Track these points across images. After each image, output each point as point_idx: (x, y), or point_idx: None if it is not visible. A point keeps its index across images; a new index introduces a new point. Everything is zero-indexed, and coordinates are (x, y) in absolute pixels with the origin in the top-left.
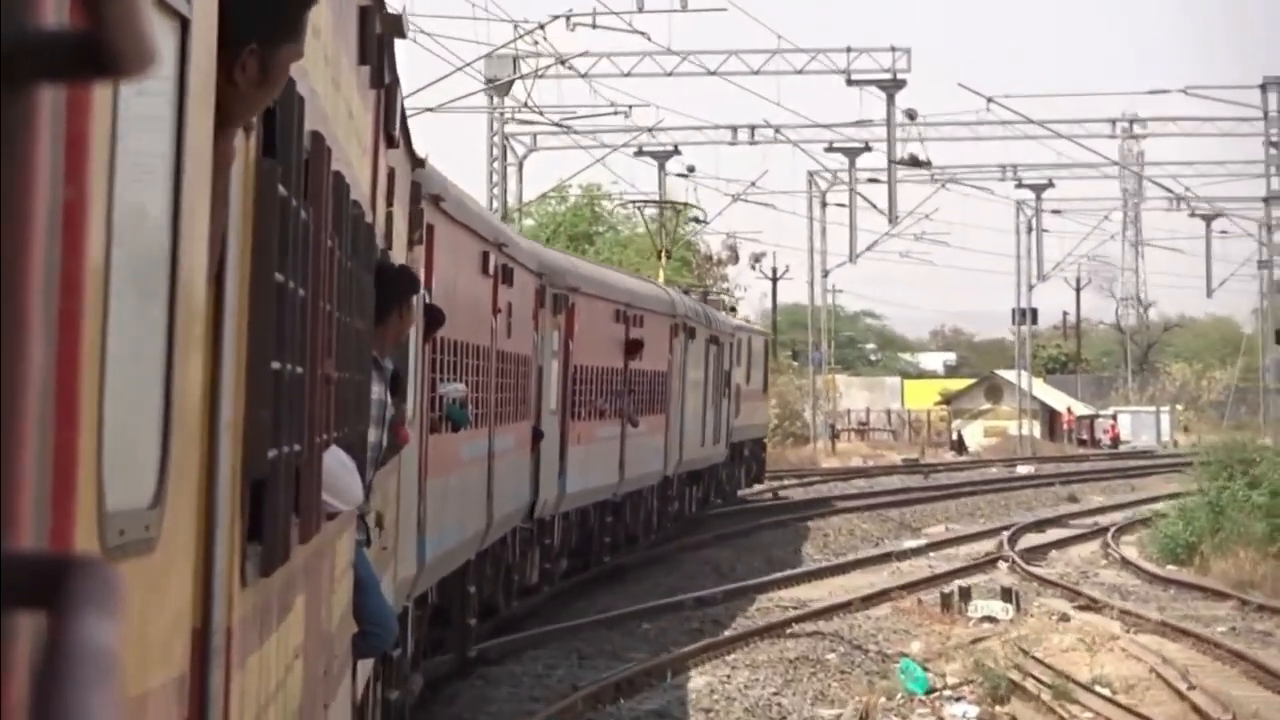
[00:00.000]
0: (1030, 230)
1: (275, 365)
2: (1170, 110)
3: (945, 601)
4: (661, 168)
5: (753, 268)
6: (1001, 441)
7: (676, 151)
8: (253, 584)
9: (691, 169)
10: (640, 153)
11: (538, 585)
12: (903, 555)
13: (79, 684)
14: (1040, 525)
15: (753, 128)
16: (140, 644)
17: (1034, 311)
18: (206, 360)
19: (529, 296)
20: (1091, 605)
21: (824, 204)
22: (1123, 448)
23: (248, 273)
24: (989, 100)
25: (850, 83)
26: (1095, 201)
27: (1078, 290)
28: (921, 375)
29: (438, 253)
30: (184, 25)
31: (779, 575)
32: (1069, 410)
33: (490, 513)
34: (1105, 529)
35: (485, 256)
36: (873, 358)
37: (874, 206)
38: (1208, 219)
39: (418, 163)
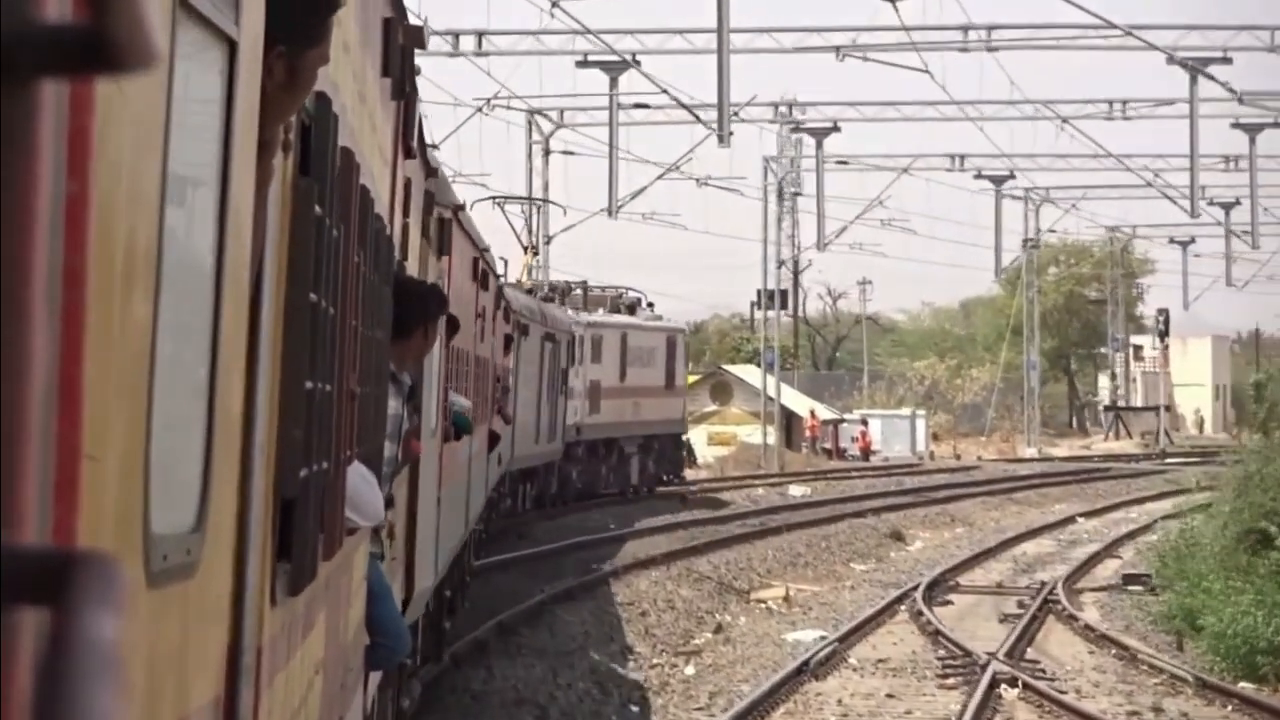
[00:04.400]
0: (782, 195)
1: (308, 385)
2: None
3: None
4: None
5: None
6: (737, 451)
7: None
8: (282, 603)
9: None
10: None
11: None
12: (820, 668)
13: (83, 679)
14: (930, 590)
15: (481, 33)
16: (180, 666)
17: (783, 294)
18: (243, 380)
19: (493, 299)
20: None
21: (547, 151)
22: (875, 459)
23: (283, 292)
24: None
25: None
26: (892, 159)
27: (795, 274)
28: None
29: (455, 264)
30: (232, 48)
31: None
32: (812, 414)
33: (468, 515)
34: (1030, 593)
35: (475, 263)
36: None
37: (696, 115)
38: (997, 180)
39: (430, 172)
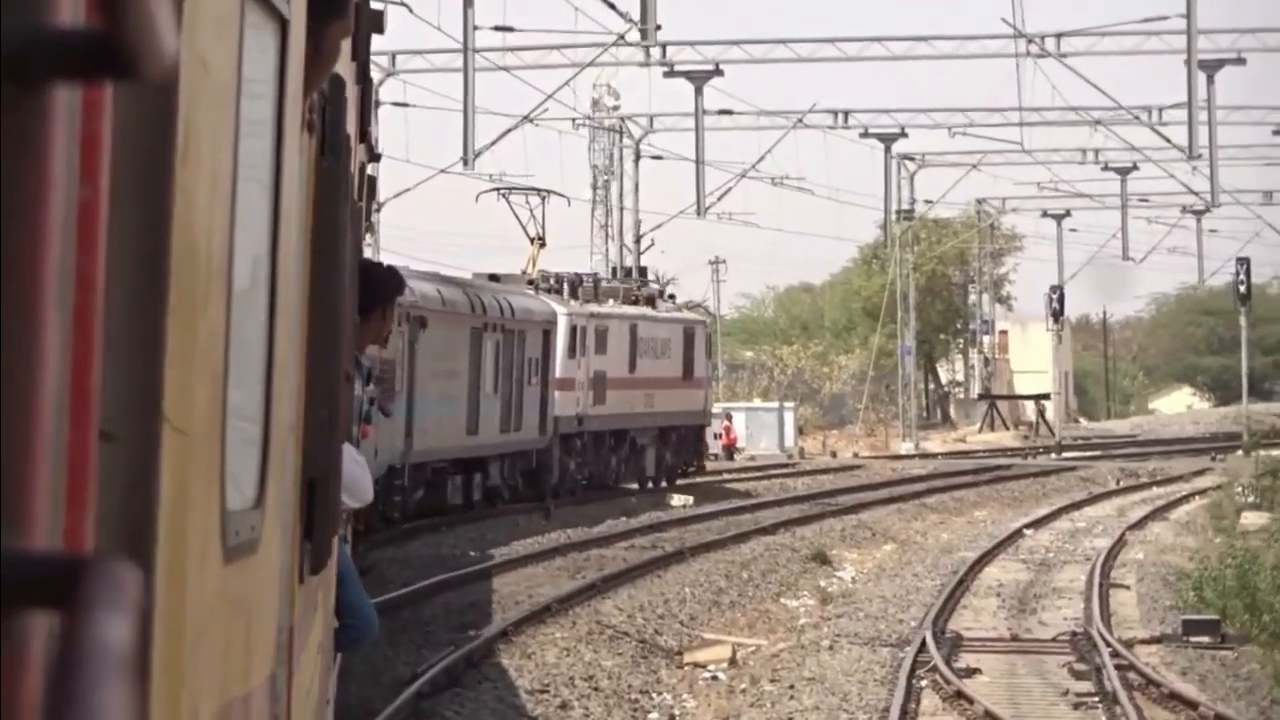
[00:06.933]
0: (638, 158)
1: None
2: None
3: None
4: None
5: None
6: None
7: None
8: (306, 582)
9: None
10: None
11: None
12: None
13: (93, 684)
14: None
15: None
16: (246, 643)
17: (643, 270)
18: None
19: None
20: None
21: (377, 103)
22: (740, 457)
23: (308, 273)
24: None
25: None
26: (774, 117)
27: (638, 252)
28: None
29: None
30: (284, 26)
31: None
32: None
33: None
34: (1064, 647)
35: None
36: None
37: (613, 5)
38: (887, 140)
39: (374, 156)
